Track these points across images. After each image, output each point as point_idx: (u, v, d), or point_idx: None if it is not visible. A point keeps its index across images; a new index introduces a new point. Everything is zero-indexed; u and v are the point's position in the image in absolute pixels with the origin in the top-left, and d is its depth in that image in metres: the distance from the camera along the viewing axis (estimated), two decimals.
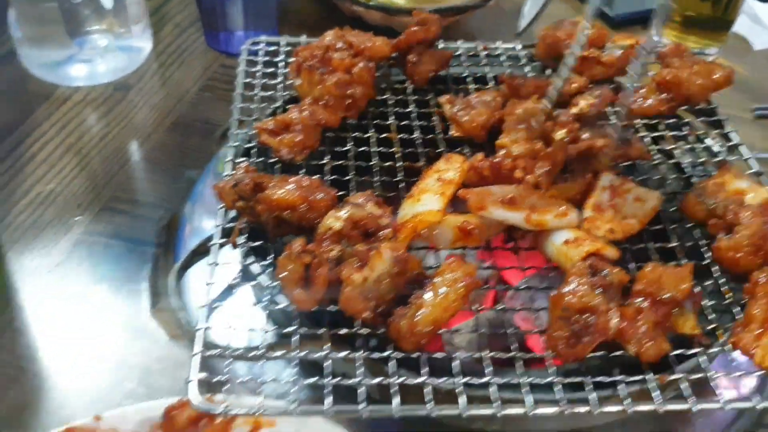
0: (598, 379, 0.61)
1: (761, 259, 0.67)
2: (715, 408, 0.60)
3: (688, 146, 0.87)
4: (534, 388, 0.62)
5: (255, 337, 0.65)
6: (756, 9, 1.38)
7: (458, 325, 0.75)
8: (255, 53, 0.97)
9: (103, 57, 1.12)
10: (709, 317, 0.67)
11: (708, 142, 0.87)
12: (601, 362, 0.63)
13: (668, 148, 0.87)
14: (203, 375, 0.58)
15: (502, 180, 0.77)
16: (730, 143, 0.86)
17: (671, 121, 0.90)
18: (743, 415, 0.75)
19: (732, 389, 0.75)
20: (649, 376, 0.61)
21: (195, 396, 0.57)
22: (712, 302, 0.68)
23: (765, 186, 0.76)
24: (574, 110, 0.83)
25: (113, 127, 1.02)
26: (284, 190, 0.69)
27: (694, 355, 0.64)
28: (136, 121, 1.03)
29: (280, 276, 0.64)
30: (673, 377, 0.61)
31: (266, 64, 0.95)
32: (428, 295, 0.62)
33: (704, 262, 0.72)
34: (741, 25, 1.33)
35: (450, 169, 0.77)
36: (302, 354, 0.62)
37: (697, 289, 0.68)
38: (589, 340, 0.60)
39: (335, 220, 0.67)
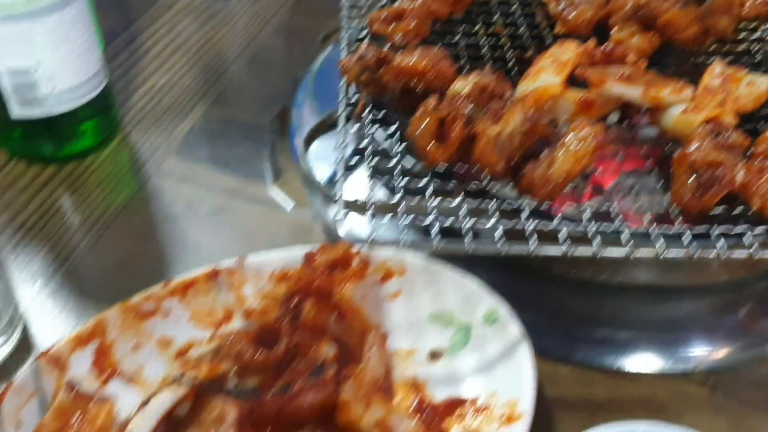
0: (724, 229, 0.63)
1: None
2: None
3: None
4: (669, 238, 0.64)
5: (386, 194, 0.68)
6: None
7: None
8: None
9: None
10: None
11: None
12: (725, 217, 0.66)
13: None
14: (347, 211, 0.62)
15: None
16: None
17: None
18: None
19: None
20: None
21: (343, 229, 0.61)
22: None
23: None
24: None
25: (217, 31, 1.06)
26: (412, 57, 0.72)
27: None
28: (238, 27, 1.07)
29: (414, 134, 0.67)
30: None
31: None
32: (561, 150, 0.65)
33: None
34: None
35: (564, 52, 0.80)
36: (437, 203, 0.65)
37: None
38: (716, 190, 0.62)
39: (463, 84, 0.71)
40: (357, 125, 0.75)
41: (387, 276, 0.67)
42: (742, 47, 0.88)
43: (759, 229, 0.63)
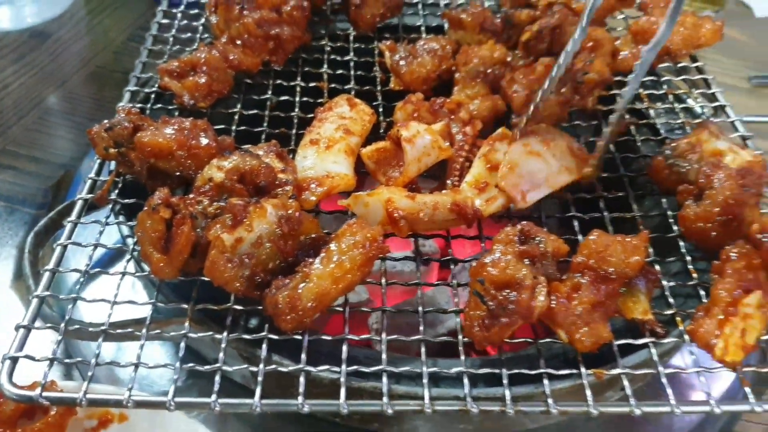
0: (519, 371, 0.49)
1: (735, 230, 0.54)
2: (663, 413, 0.47)
3: (666, 106, 0.74)
4: (441, 380, 0.51)
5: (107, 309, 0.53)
6: None
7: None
8: None
9: None
10: (672, 301, 0.54)
11: (690, 102, 0.75)
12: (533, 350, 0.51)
13: (642, 107, 0.74)
14: (22, 354, 0.47)
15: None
16: (716, 104, 0.73)
17: (648, 79, 0.77)
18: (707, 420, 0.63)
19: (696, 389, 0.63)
20: (583, 371, 0.49)
21: (5, 380, 0.46)
22: (675, 283, 0.56)
23: (746, 149, 0.63)
24: (525, 36, 0.72)
25: (20, 76, 0.90)
26: (158, 132, 0.57)
27: (645, 346, 0.51)
28: (48, 70, 0.92)
29: (137, 234, 0.52)
30: (613, 372, 0.49)
31: (191, 5, 0.84)
32: (318, 264, 0.50)
33: (671, 235, 0.60)
34: None
35: (356, 119, 0.66)
36: (154, 332, 0.50)
37: (658, 268, 0.56)
38: (508, 322, 0.48)
39: (217, 169, 0.56)
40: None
41: (105, 421, 0.53)
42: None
43: (564, 371, 0.49)
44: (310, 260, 0.51)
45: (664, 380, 0.49)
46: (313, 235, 0.53)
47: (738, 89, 0.99)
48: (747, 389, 0.49)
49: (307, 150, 0.62)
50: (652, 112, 0.73)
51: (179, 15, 0.82)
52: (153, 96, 0.71)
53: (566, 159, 0.64)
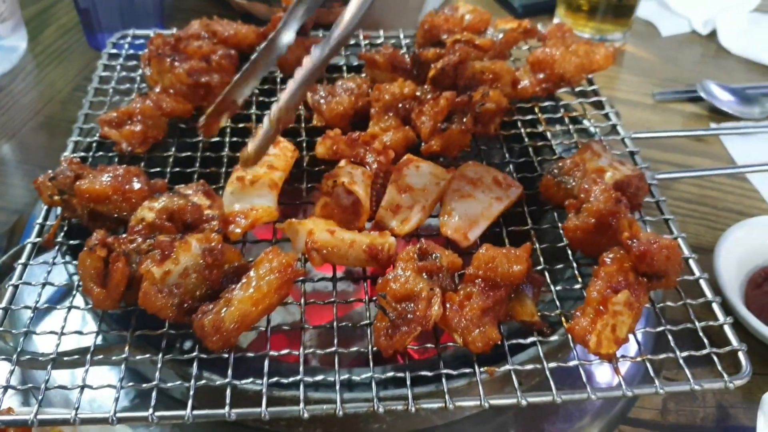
0: (421, 373, 0.56)
1: (612, 237, 0.62)
2: (546, 401, 0.54)
3: (563, 128, 0.82)
4: (356, 386, 0.57)
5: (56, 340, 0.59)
6: None
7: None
8: (121, 47, 0.93)
9: None
10: (558, 304, 0.62)
11: (585, 123, 0.83)
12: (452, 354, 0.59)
13: (541, 130, 0.82)
14: None
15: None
16: (609, 123, 0.81)
17: (548, 103, 0.85)
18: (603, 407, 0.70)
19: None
20: (477, 370, 0.56)
21: None
22: (562, 288, 0.63)
23: (627, 164, 0.71)
24: (431, 73, 0.79)
25: None
26: (95, 179, 0.64)
27: (533, 344, 0.58)
28: (0, 122, 0.98)
29: (79, 272, 0.59)
30: (503, 369, 0.56)
31: (129, 57, 0.91)
32: (238, 290, 0.57)
33: (560, 245, 0.67)
34: (649, 12, 1.29)
35: (279, 155, 0.73)
36: (98, 358, 0.57)
37: (548, 274, 0.64)
38: (408, 330, 0.55)
39: (148, 210, 0.62)
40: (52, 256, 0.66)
41: None
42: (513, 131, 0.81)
43: (461, 371, 0.56)
44: (233, 286, 0.57)
45: (547, 373, 0.56)
46: (236, 264, 0.60)
47: (643, 105, 1.07)
48: (620, 378, 0.56)
49: (234, 186, 0.69)
50: (549, 134, 0.81)
51: (118, 67, 0.88)
52: (95, 144, 0.77)
53: (494, 190, 0.71)
